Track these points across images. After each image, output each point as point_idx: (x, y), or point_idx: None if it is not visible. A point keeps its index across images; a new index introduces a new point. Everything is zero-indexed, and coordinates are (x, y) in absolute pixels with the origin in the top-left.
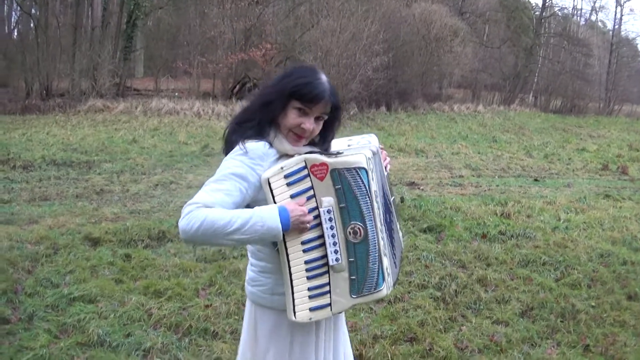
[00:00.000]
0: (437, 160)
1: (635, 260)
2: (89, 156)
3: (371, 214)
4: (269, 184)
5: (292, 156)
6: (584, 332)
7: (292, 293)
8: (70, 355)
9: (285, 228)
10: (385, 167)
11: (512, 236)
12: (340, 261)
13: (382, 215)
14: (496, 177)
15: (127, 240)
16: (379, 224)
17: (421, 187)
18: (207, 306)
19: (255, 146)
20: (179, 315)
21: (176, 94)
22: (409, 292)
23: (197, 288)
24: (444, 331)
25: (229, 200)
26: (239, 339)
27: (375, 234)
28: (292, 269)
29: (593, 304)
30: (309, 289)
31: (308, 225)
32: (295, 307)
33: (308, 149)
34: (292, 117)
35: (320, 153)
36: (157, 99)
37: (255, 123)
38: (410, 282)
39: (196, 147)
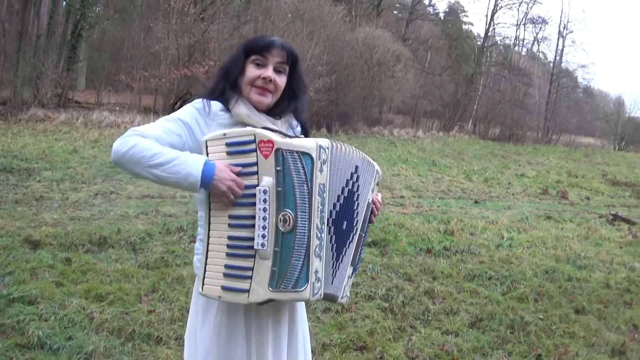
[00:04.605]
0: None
1: (581, 277)
2: (29, 163)
3: (306, 205)
4: (207, 146)
5: (245, 126)
6: (535, 342)
7: (206, 264)
8: (9, 356)
9: (205, 181)
10: (372, 203)
11: (456, 252)
12: (265, 247)
13: (328, 215)
14: (437, 198)
15: (67, 244)
16: (315, 220)
17: None
18: (150, 312)
19: (211, 104)
20: (122, 320)
21: (117, 108)
22: (356, 303)
23: (139, 294)
24: (394, 340)
25: (166, 138)
26: (184, 345)
27: (306, 227)
28: (210, 239)
29: (541, 316)
30: (226, 267)
31: (231, 195)
32: (205, 280)
33: (269, 124)
34: (250, 71)
35: (275, 131)
36: (98, 112)
37: (219, 92)
38: (357, 292)
39: None
